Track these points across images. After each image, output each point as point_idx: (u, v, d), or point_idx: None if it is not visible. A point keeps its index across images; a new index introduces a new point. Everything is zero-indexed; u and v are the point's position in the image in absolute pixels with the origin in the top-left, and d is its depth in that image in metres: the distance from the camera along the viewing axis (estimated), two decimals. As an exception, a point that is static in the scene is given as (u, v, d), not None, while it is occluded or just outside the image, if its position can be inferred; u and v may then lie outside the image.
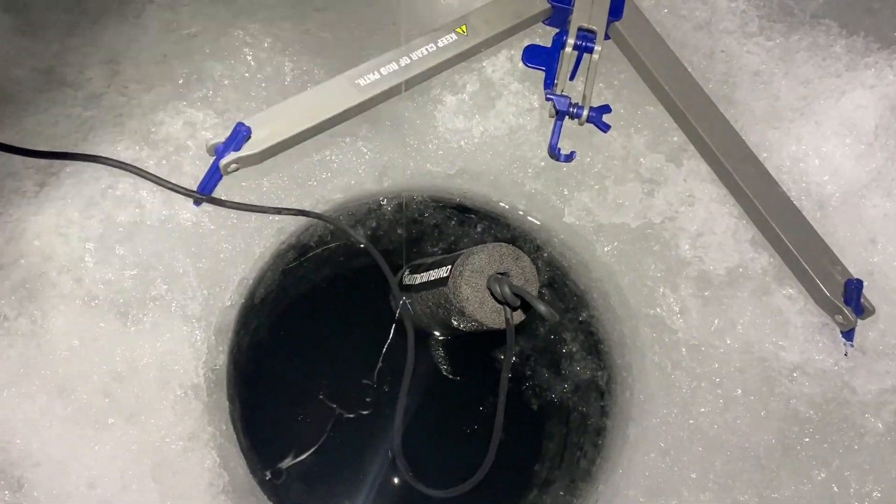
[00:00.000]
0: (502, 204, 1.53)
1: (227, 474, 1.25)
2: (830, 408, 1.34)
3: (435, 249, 1.54)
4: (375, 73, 1.35)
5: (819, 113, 1.44)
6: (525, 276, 1.14)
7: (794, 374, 1.34)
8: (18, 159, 1.28)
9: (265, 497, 1.36)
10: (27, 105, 1.34)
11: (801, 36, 1.54)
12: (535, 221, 1.52)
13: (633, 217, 1.43)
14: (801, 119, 1.44)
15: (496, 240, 1.55)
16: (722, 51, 1.53)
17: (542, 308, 0.99)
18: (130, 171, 1.28)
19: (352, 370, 1.47)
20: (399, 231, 1.54)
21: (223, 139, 1.28)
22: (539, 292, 1.17)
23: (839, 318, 1.31)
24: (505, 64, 1.49)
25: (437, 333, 1.47)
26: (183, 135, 1.36)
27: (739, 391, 1.35)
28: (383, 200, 1.52)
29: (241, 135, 1.26)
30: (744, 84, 1.50)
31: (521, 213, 1.53)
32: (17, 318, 1.20)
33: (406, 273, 1.37)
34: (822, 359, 1.34)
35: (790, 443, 1.33)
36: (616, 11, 1.43)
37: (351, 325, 1.57)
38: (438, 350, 1.52)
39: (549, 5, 1.44)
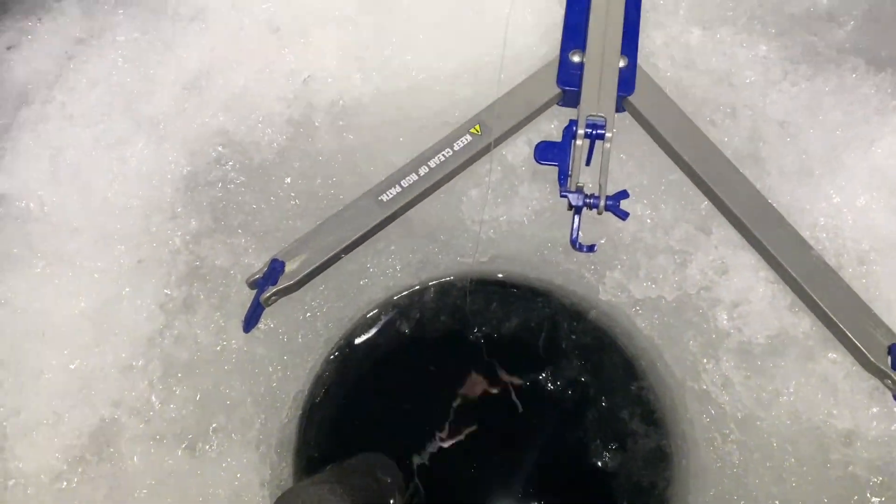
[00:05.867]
0: (539, 280, 1.56)
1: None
2: (893, 469, 1.31)
3: (477, 333, 1.58)
4: (397, 186, 1.40)
5: (849, 165, 1.40)
6: None
7: (849, 440, 1.31)
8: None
9: None
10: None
11: (826, 76, 1.49)
12: (574, 297, 1.54)
13: (669, 290, 1.43)
14: (831, 174, 1.40)
15: (539, 315, 1.57)
16: (745, 104, 1.49)
17: None
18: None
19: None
20: (442, 318, 1.59)
21: (262, 273, 1.36)
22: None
23: (889, 382, 1.27)
24: (524, 149, 1.52)
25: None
26: (227, 263, 1.45)
27: (793, 460, 1.33)
28: (424, 289, 1.56)
29: (276, 271, 1.33)
30: (770, 138, 1.46)
31: (559, 287, 1.55)
32: (99, 464, 1.33)
33: None
34: (877, 423, 1.30)
35: (853, 508, 1.31)
36: (626, 87, 1.43)
37: (403, 413, 1.62)
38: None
39: (559, 90, 1.45)
